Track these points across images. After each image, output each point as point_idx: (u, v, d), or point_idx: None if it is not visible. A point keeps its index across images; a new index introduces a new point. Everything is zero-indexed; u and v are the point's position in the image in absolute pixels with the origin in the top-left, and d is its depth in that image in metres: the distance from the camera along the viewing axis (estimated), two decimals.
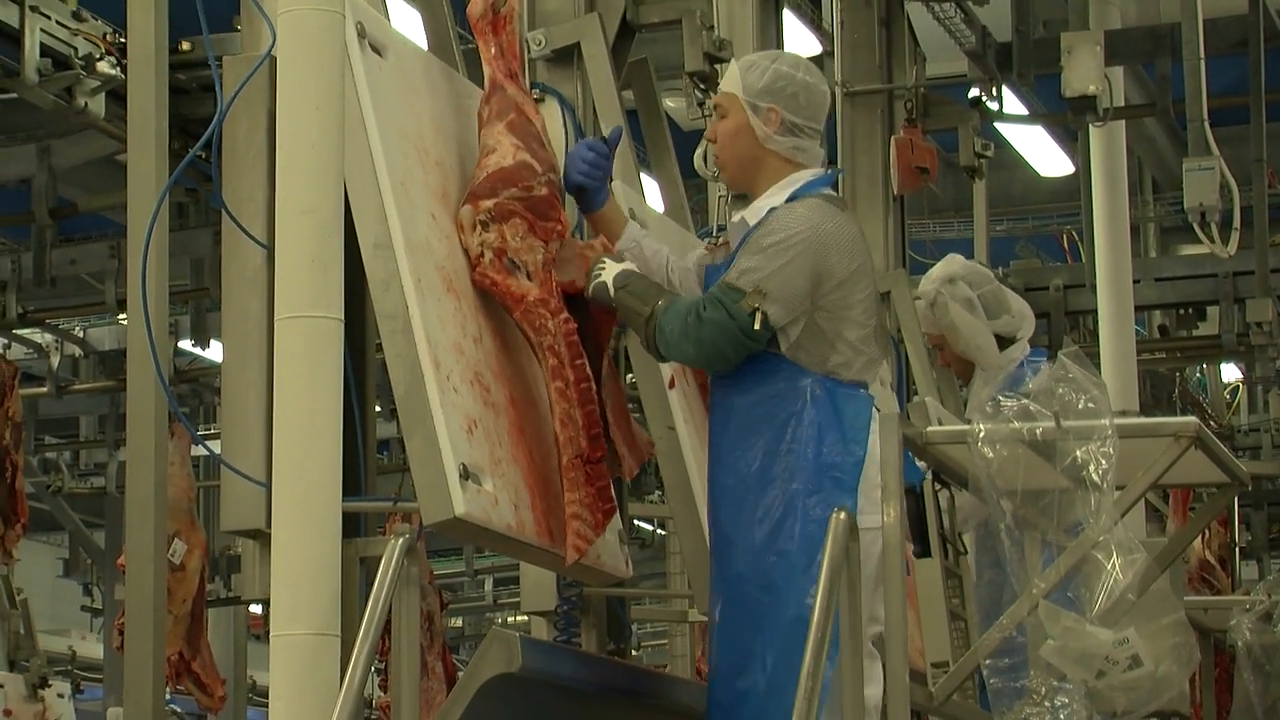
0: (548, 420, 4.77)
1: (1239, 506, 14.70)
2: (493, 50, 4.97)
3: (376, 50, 4.63)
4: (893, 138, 9.21)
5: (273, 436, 4.23)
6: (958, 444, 4.98)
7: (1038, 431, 4.82)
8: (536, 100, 5.17)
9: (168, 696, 8.83)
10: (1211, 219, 11.03)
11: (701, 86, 6.75)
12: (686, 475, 5.38)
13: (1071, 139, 14.98)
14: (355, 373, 4.56)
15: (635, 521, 14.70)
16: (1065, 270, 14.20)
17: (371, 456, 4.84)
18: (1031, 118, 13.85)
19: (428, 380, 4.38)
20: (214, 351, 13.29)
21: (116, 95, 8.09)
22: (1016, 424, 4.84)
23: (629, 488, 5.71)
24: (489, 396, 4.62)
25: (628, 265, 4.93)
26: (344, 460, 4.21)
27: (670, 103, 8.43)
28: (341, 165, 4.29)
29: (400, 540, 4.10)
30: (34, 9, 7.92)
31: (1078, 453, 4.78)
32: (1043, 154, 16.13)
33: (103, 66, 8.12)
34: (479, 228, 4.76)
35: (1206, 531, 12.45)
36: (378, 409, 5.46)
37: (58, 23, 8.04)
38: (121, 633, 5.02)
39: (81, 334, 14.46)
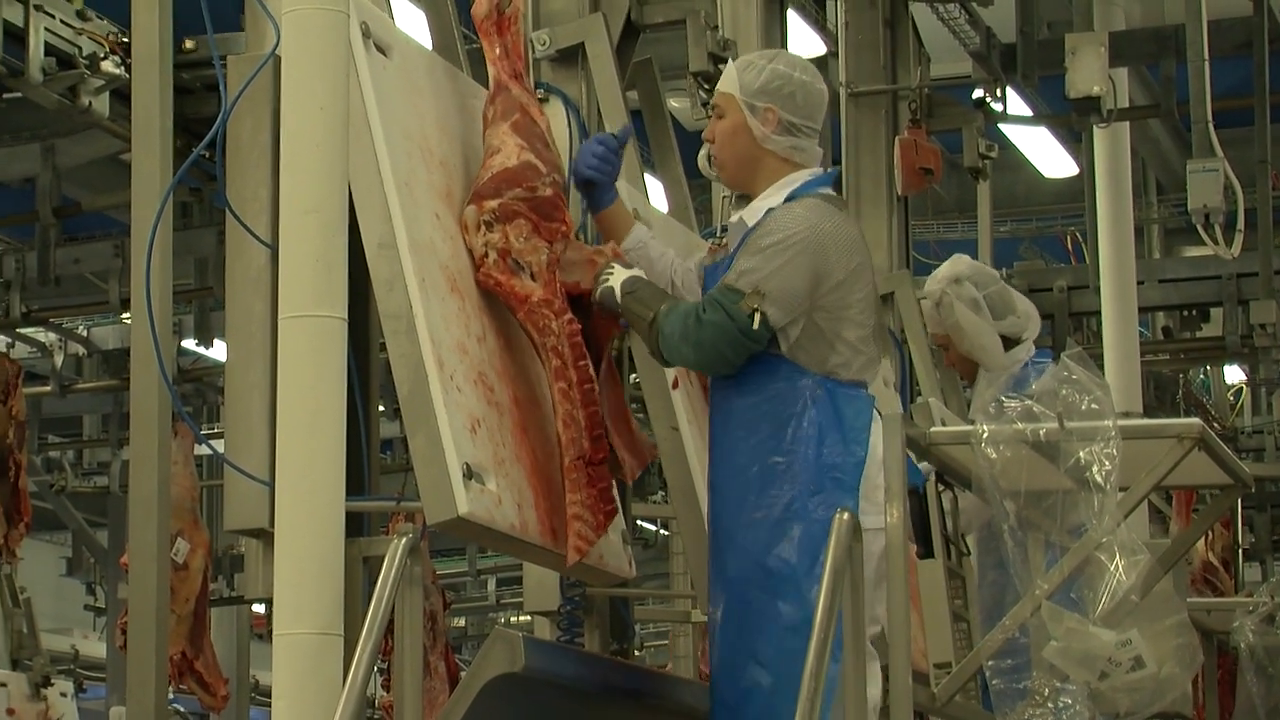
0: (551, 420, 4.76)
1: (1242, 508, 14.68)
2: (497, 50, 4.96)
3: (381, 50, 4.63)
4: (897, 138, 9.19)
5: (276, 436, 4.22)
6: (961, 445, 4.99)
7: (1041, 433, 4.82)
8: (541, 100, 5.17)
9: (170, 696, 8.84)
10: (1215, 220, 11.03)
11: (706, 87, 6.74)
12: (690, 476, 5.37)
13: (1076, 140, 14.98)
14: (359, 372, 4.56)
15: (638, 522, 14.72)
16: (1069, 271, 14.21)
17: (375, 456, 4.83)
18: (1036, 119, 13.83)
19: (431, 380, 4.38)
20: (218, 351, 13.30)
21: (121, 94, 8.08)
22: (1020, 425, 4.84)
23: (632, 488, 5.70)
24: (492, 396, 4.62)
25: (635, 271, 4.90)
26: (347, 460, 4.21)
27: (674, 103, 8.43)
28: (346, 165, 4.28)
29: (403, 540, 4.11)
30: (38, 8, 7.91)
31: (1081, 454, 4.78)
32: (1047, 155, 16.12)
33: (107, 66, 8.11)
34: (483, 228, 4.76)
35: (1210, 533, 12.43)
36: (381, 408, 5.46)
37: (62, 22, 8.04)
38: (124, 632, 5.01)
39: (85, 333, 14.47)
